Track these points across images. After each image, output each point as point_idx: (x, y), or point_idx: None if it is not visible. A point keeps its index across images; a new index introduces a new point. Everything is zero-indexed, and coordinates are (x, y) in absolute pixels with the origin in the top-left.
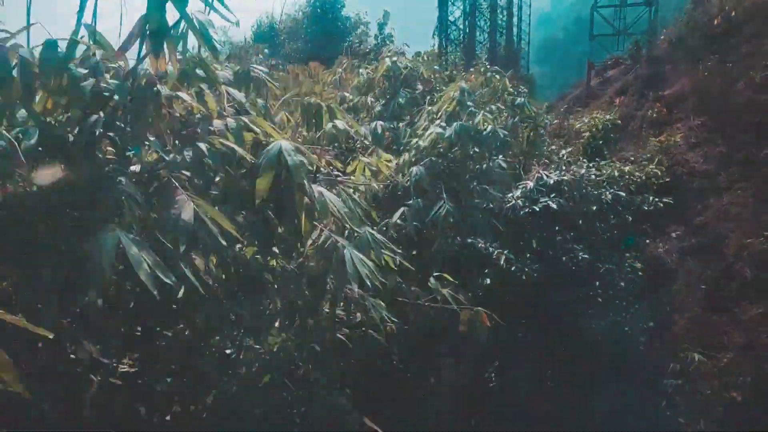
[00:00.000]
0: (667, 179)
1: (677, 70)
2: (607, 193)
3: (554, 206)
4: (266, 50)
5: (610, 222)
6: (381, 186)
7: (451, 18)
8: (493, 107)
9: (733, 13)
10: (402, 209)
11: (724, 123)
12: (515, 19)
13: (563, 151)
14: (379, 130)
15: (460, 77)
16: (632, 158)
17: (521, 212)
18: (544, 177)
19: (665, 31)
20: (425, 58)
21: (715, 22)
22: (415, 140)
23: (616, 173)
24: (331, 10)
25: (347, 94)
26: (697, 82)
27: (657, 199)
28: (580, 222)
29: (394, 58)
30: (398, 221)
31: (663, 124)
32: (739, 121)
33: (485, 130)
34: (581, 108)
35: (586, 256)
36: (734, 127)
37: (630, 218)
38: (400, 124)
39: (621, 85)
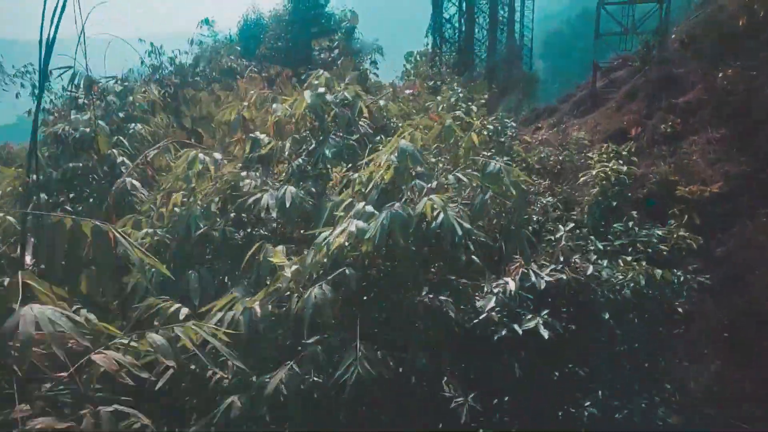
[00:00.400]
0: (682, 206)
1: (692, 75)
2: (627, 291)
3: (545, 333)
4: (240, 49)
5: (629, 326)
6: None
7: (446, 15)
8: (456, 175)
9: (762, 13)
10: (281, 373)
11: (747, 137)
12: (518, 15)
13: (561, 231)
14: (288, 202)
15: (406, 128)
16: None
17: (495, 335)
18: (532, 275)
19: (675, 29)
20: (417, 58)
21: (740, 22)
22: (324, 235)
23: (642, 277)
24: (314, 7)
25: (263, 137)
26: (715, 89)
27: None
28: (588, 346)
29: (322, 89)
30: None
31: (677, 138)
32: (764, 136)
33: (435, 220)
34: (587, 110)
35: (594, 411)
36: (759, 142)
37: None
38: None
39: (630, 88)
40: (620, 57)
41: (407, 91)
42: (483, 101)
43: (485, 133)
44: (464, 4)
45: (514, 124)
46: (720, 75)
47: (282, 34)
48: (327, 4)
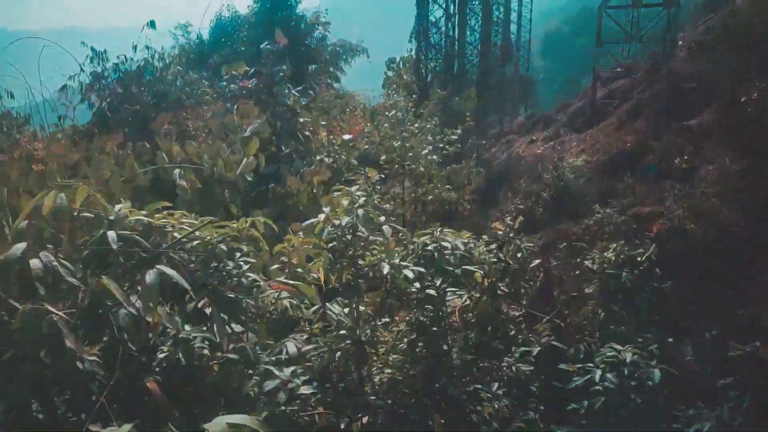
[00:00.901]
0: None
1: (705, 91)
2: None
3: None
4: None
5: None
6: None
7: (432, 18)
8: None
9: None
10: None
11: None
12: (514, 15)
13: None
14: None
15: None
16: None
17: None
18: None
19: (682, 35)
20: (400, 65)
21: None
22: None
23: None
24: (282, 7)
25: None
26: (732, 109)
27: None
28: None
29: None
30: None
31: (689, 170)
32: None
33: None
34: (585, 122)
35: None
36: None
37: None
38: None
39: (634, 104)
40: (622, 65)
41: (345, 137)
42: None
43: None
44: (452, 6)
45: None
46: (738, 91)
47: (245, 38)
48: (297, 5)
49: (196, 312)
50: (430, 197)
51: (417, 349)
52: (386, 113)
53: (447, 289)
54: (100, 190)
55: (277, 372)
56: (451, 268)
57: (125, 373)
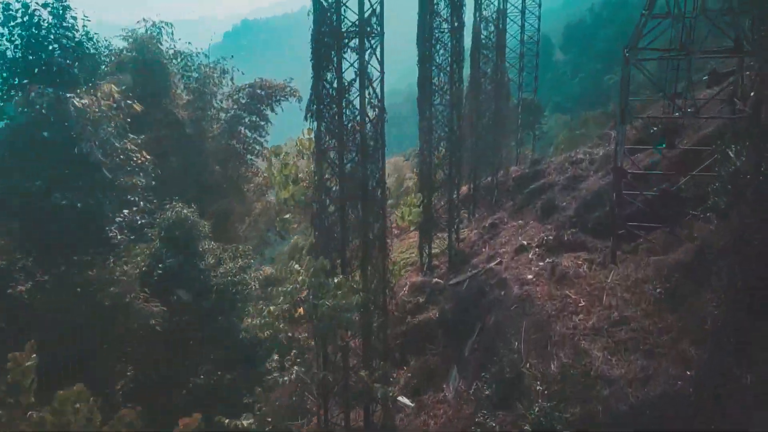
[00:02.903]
0: None
1: None
2: None
3: None
4: None
5: None
6: None
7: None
8: None
9: None
10: None
11: None
12: (516, 28)
13: None
14: None
15: None
16: None
17: None
18: None
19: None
20: (300, 144)
21: None
22: None
23: None
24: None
25: None
26: None
27: None
28: None
29: None
30: None
31: None
32: None
33: None
34: (601, 224)
35: None
36: None
37: None
38: None
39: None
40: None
41: None
42: None
43: None
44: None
45: None
46: None
47: None
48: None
49: None
50: None
51: None
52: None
53: None
54: None
55: None
56: None
57: None
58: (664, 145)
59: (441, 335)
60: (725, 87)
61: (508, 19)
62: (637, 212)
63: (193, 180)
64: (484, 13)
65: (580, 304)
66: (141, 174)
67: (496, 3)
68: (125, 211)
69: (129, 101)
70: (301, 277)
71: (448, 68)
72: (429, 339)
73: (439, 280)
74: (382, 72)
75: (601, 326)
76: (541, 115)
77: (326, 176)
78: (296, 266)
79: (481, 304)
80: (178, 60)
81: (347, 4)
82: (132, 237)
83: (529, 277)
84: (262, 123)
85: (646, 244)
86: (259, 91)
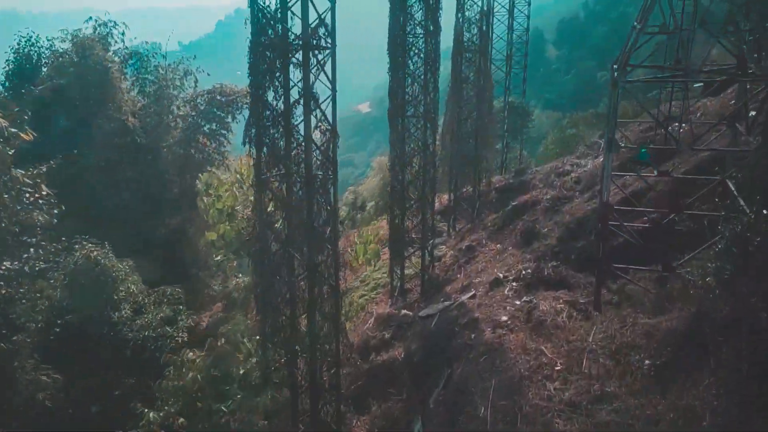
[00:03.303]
0: None
1: None
2: None
3: None
4: None
5: None
6: None
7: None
8: None
9: None
10: None
11: None
12: (503, 28)
13: None
14: None
15: None
16: None
17: None
18: None
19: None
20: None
21: None
22: None
23: None
24: None
25: None
26: None
27: None
28: None
29: None
30: None
31: None
32: None
33: None
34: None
35: None
36: None
37: None
38: None
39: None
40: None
41: None
42: None
43: None
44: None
45: None
46: None
47: None
48: None
49: None
50: None
51: None
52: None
53: None
54: None
55: None
56: None
57: None
58: (647, 156)
59: (407, 377)
60: (722, 97)
61: (495, 19)
62: (623, 245)
63: (146, 193)
64: (467, 13)
65: (556, 368)
66: (39, 211)
67: (480, 3)
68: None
69: (14, 130)
70: (191, 374)
71: (422, 77)
72: (393, 382)
73: (408, 312)
74: (333, 91)
75: (580, 401)
76: (529, 119)
77: (270, 209)
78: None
79: (451, 347)
80: (134, 61)
81: (293, 9)
82: (23, 290)
83: (504, 318)
84: (223, 131)
85: (634, 291)
86: (219, 97)
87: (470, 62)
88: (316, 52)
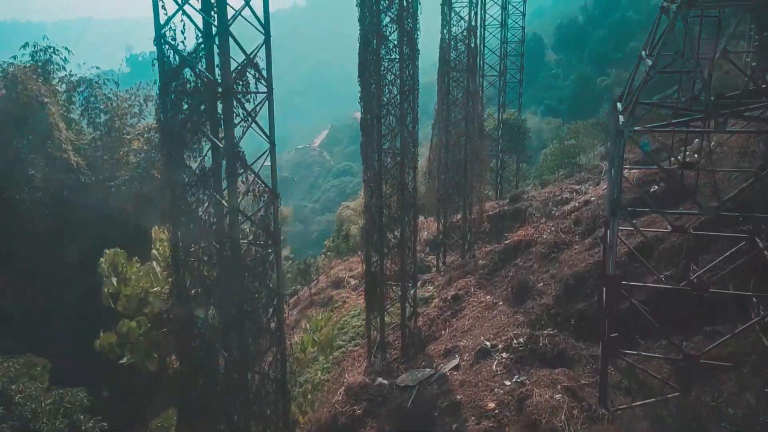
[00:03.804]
0: None
1: None
2: None
3: None
4: None
5: None
6: None
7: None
8: None
9: None
10: None
11: None
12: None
13: None
14: None
15: None
16: None
17: None
18: None
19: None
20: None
21: None
22: None
23: None
24: None
25: None
26: None
27: None
28: None
29: None
30: None
31: None
32: None
33: None
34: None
35: None
36: None
37: None
38: None
39: None
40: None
41: None
42: None
43: None
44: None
45: None
46: None
47: None
48: None
49: None
50: None
51: None
52: None
53: None
54: None
55: None
56: None
57: None
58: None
59: None
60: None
61: (487, 32)
62: (630, 309)
63: (96, 234)
64: (453, 29)
65: None
66: None
67: (467, 18)
68: None
69: None
70: None
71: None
72: None
73: (384, 382)
74: (272, 144)
75: None
76: (525, 136)
77: (192, 291)
78: None
79: None
80: (83, 88)
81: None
82: None
83: (490, 405)
84: None
85: (646, 377)
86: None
87: (458, 82)
88: (245, 98)
